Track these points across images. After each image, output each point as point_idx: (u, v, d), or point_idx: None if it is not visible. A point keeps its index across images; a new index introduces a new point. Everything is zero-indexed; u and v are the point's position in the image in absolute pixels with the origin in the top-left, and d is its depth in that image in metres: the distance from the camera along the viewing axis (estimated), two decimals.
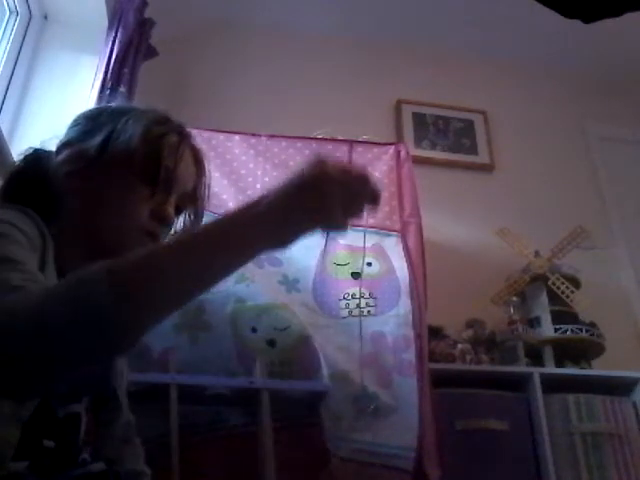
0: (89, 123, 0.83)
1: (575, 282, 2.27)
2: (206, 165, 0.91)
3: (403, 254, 1.77)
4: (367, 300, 1.66)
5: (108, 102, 0.90)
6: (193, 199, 0.88)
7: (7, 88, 1.73)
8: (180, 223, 0.89)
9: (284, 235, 0.59)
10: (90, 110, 0.89)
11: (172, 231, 0.87)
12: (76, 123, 0.84)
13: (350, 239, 1.78)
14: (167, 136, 0.82)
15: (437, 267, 1.91)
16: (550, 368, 2.10)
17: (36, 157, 0.84)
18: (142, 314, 0.53)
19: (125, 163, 0.78)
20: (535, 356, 2.17)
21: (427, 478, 1.45)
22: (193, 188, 0.88)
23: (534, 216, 2.65)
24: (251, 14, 2.91)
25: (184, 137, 0.86)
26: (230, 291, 1.56)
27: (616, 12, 0.89)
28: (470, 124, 2.93)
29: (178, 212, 0.86)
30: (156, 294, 0.53)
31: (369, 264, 1.74)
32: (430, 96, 2.94)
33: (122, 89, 1.74)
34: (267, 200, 0.57)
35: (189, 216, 0.90)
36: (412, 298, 1.68)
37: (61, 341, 0.50)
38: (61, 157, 0.80)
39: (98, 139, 0.79)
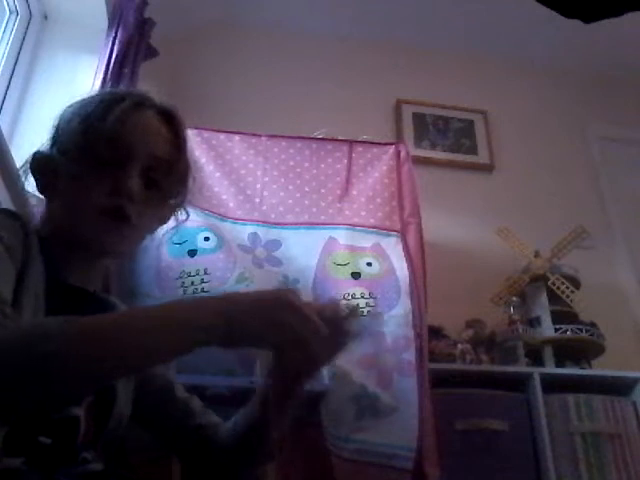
0: (51, 130, 0.83)
1: (575, 282, 2.27)
2: (180, 122, 0.85)
3: (403, 254, 1.76)
4: (367, 300, 1.66)
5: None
6: (168, 163, 0.81)
7: (7, 88, 1.73)
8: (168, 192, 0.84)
9: (232, 343, 0.63)
10: (61, 112, 0.85)
11: (162, 200, 0.83)
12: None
13: (350, 239, 1.79)
14: (112, 111, 0.77)
15: (437, 267, 1.91)
16: (550, 368, 2.10)
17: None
18: (85, 370, 0.54)
19: (73, 155, 0.77)
20: (535, 356, 2.17)
21: (427, 478, 1.44)
22: (170, 147, 0.82)
23: (534, 216, 2.65)
24: (251, 14, 2.91)
25: (136, 105, 0.80)
26: (230, 291, 1.56)
27: (616, 12, 0.89)
28: (470, 124, 2.93)
29: (153, 182, 0.80)
30: (100, 362, 0.54)
31: (369, 264, 1.74)
32: (430, 96, 2.94)
33: None
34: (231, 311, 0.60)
35: (172, 182, 0.84)
36: (412, 298, 1.68)
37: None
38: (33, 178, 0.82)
39: (47, 145, 0.81)
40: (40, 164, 0.81)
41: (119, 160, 0.76)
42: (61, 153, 0.79)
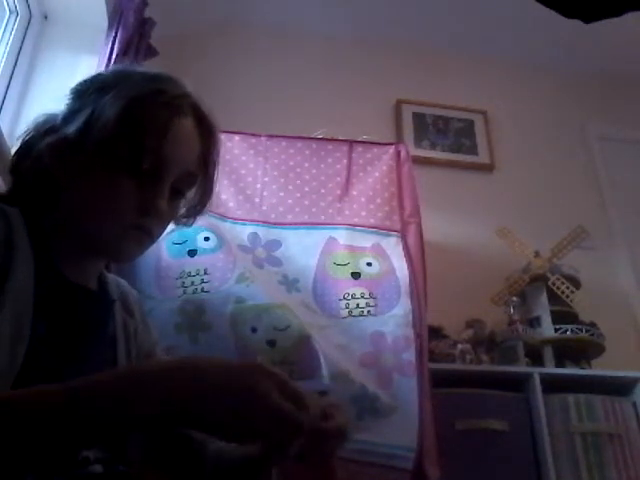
0: (75, 101, 0.76)
1: (575, 282, 2.27)
2: (215, 130, 0.80)
3: (403, 254, 1.76)
4: (367, 300, 1.66)
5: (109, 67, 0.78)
6: (198, 174, 0.79)
7: (7, 88, 1.73)
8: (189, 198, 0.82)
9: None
10: (81, 83, 0.79)
11: (181, 211, 0.82)
12: (67, 98, 0.78)
13: (350, 239, 1.79)
14: (154, 113, 0.71)
15: (437, 267, 1.91)
16: (550, 368, 2.10)
17: (44, 128, 0.78)
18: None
19: (105, 152, 0.70)
20: (535, 356, 2.17)
21: (427, 478, 1.44)
22: (199, 160, 0.78)
23: (534, 216, 2.65)
24: (251, 14, 2.91)
25: (178, 109, 0.74)
26: (230, 291, 1.56)
27: (616, 12, 0.89)
28: (470, 124, 2.94)
29: (180, 193, 0.79)
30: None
31: (369, 264, 1.74)
32: (430, 96, 2.95)
33: None
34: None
35: (196, 194, 0.82)
36: (412, 298, 1.68)
37: None
38: (43, 145, 0.72)
39: (77, 124, 0.71)
40: (62, 143, 0.72)
41: (153, 172, 0.72)
42: (83, 138, 0.71)
